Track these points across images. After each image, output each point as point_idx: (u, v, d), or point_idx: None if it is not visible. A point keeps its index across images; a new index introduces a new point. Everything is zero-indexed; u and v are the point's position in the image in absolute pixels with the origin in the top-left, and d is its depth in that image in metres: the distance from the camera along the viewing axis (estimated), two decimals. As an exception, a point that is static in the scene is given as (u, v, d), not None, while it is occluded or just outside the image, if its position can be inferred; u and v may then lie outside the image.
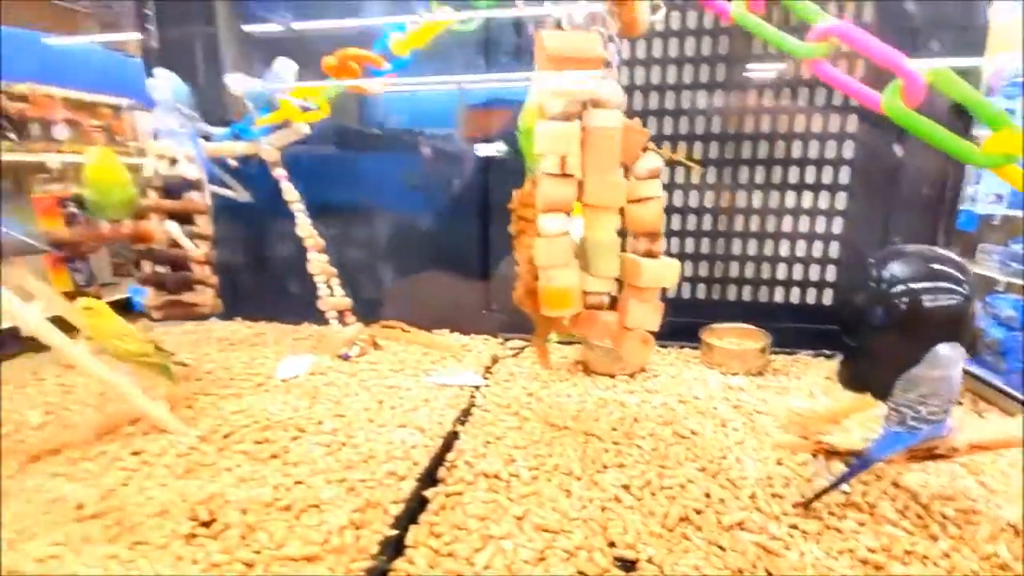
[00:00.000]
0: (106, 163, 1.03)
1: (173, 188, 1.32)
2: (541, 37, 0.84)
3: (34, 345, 1.56)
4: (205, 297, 1.26)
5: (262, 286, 1.87)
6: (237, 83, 1.37)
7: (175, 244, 1.23)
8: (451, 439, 1.06)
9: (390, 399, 1.23)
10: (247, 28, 1.77)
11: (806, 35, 0.67)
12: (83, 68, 2.41)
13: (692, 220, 1.57)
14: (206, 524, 0.81)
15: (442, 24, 1.02)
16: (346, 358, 1.48)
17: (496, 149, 1.55)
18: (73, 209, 2.17)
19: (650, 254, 0.96)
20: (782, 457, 1.02)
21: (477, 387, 1.29)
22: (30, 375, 1.39)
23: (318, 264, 1.47)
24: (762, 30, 0.71)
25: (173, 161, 1.28)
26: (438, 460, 0.98)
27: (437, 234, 1.77)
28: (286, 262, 1.84)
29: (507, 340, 1.63)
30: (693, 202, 1.56)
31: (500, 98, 1.61)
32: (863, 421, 1.13)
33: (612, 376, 1.35)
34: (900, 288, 1.25)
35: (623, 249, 0.96)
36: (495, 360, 1.47)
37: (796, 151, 1.48)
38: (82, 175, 1.04)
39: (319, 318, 1.55)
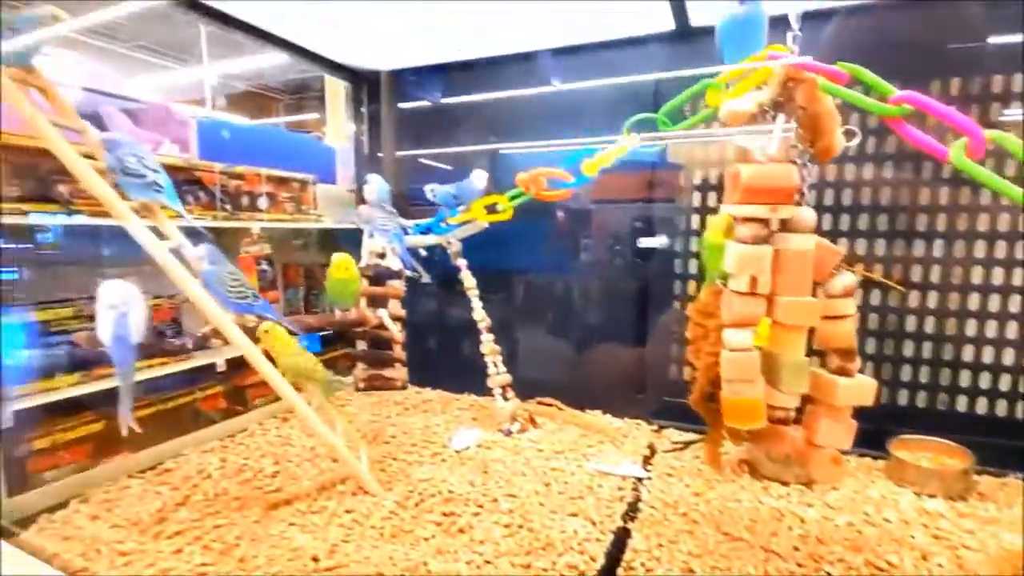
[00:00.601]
0: (344, 265, 1.28)
1: (378, 276, 1.57)
2: (737, 170, 0.90)
3: (224, 378, 1.92)
4: (400, 373, 1.45)
5: (428, 356, 2.07)
6: (433, 190, 1.61)
7: (380, 326, 1.45)
8: (622, 536, 1.09)
9: (556, 483, 1.30)
10: (402, 106, 2.07)
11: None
12: (280, 148, 2.94)
13: (874, 318, 1.48)
14: (416, 593, 0.93)
15: (630, 144, 1.13)
16: (508, 434, 1.58)
17: (659, 242, 1.62)
18: (265, 267, 2.62)
19: (844, 371, 0.95)
20: (1006, 609, 0.90)
21: (639, 479, 1.31)
22: (256, 425, 1.68)
23: (488, 344, 1.62)
24: (985, 177, 0.71)
25: (382, 255, 1.53)
26: (614, 559, 1.02)
27: (590, 313, 1.86)
28: (448, 335, 2.05)
29: (661, 428, 1.63)
30: (875, 299, 1.47)
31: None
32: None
33: (785, 483, 1.29)
34: None
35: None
36: (653, 450, 1.48)
37: (1001, 251, 1.35)
38: (326, 274, 1.30)
39: (477, 388, 1.68)
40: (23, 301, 1.78)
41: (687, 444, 1.44)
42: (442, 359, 2.05)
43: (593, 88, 1.60)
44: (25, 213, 1.70)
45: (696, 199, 1.60)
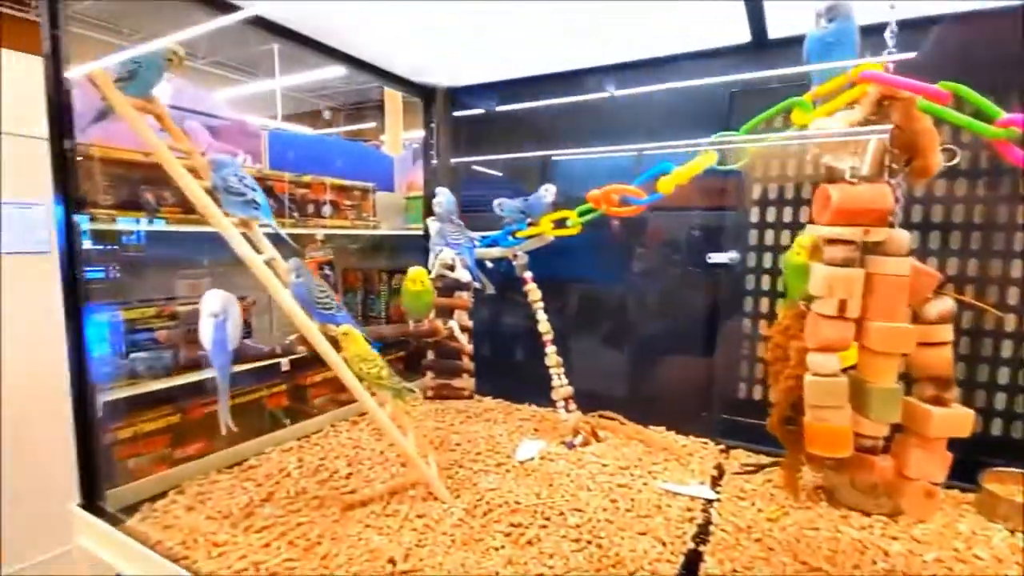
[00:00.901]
0: (419, 278, 1.33)
1: (446, 287, 1.61)
2: (825, 190, 0.89)
3: (288, 377, 2.00)
4: (468, 383, 1.49)
5: (488, 365, 2.10)
6: (501, 204, 1.64)
7: (450, 337, 1.49)
8: (694, 558, 1.08)
9: (623, 500, 1.29)
10: (457, 114, 2.12)
11: None
12: (344, 157, 3.09)
13: (965, 343, 1.39)
14: (491, 602, 0.95)
15: (708, 161, 1.12)
16: (571, 447, 1.59)
17: (728, 258, 1.59)
18: (327, 272, 2.74)
19: (939, 401, 0.91)
20: None
21: (709, 501, 1.29)
22: (329, 427, 1.76)
23: (553, 357, 1.64)
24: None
25: (451, 267, 1.57)
26: (687, 581, 1.01)
27: (652, 326, 1.85)
28: (508, 345, 2.08)
29: (728, 448, 1.59)
30: (967, 323, 1.39)
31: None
32: None
33: (866, 514, 1.23)
34: None
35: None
36: (721, 471, 1.45)
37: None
38: (401, 287, 1.35)
39: (536, 398, 1.69)
40: (113, 300, 1.95)
41: (759, 467, 1.40)
42: (502, 368, 2.08)
43: (665, 104, 1.60)
44: (114, 219, 1.87)
45: (763, 212, 1.57)
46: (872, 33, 0.96)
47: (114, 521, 1.17)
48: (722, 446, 1.61)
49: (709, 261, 1.62)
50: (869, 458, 0.94)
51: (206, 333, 1.13)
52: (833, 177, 0.94)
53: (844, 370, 0.93)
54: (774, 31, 1.44)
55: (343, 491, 1.32)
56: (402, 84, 2.05)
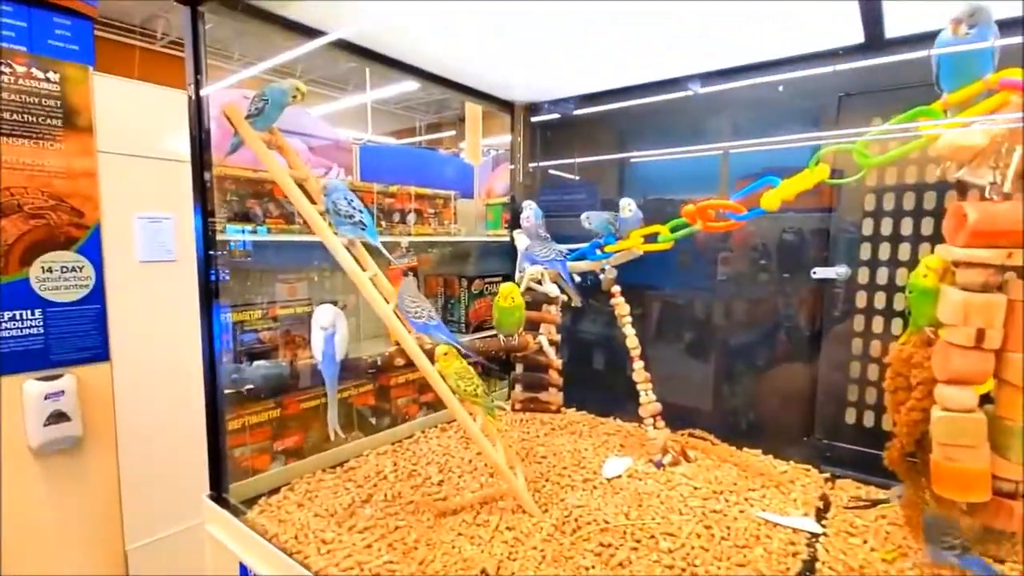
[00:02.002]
0: (510, 294, 1.36)
1: (535, 301, 1.63)
2: (960, 208, 0.81)
3: (373, 377, 2.07)
4: (556, 398, 1.50)
5: (572, 377, 2.10)
6: (588, 217, 1.64)
7: (539, 352, 1.51)
8: (800, 597, 1.02)
9: (718, 527, 1.24)
10: (535, 119, 2.14)
11: None
12: (426, 167, 3.20)
13: None
14: (585, 624, 0.95)
15: (820, 176, 1.06)
16: (659, 466, 1.55)
17: (836, 272, 1.48)
18: (411, 278, 2.86)
19: (1101, 446, 0.80)
20: None
21: (815, 535, 1.21)
22: (420, 432, 1.84)
23: (641, 373, 1.61)
24: None
25: (539, 281, 1.59)
26: (793, 622, 0.95)
27: (749, 341, 1.76)
28: (592, 357, 2.06)
29: (834, 478, 1.49)
30: None
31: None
32: None
33: (1000, 561, 1.10)
34: None
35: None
36: (826, 503, 1.35)
37: None
38: (493, 303, 1.39)
39: (621, 411, 1.67)
40: (228, 304, 2.14)
41: (875, 503, 1.29)
42: (585, 379, 2.07)
43: (769, 107, 1.53)
44: (223, 228, 2.06)
45: (876, 224, 1.44)
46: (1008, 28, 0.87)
47: (236, 512, 1.29)
48: (826, 474, 1.50)
49: (814, 276, 1.51)
50: (1008, 503, 0.85)
51: (317, 345, 1.22)
52: (965, 192, 0.86)
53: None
54: (890, 30, 1.33)
55: (435, 497, 1.38)
56: (486, 99, 2.09)
